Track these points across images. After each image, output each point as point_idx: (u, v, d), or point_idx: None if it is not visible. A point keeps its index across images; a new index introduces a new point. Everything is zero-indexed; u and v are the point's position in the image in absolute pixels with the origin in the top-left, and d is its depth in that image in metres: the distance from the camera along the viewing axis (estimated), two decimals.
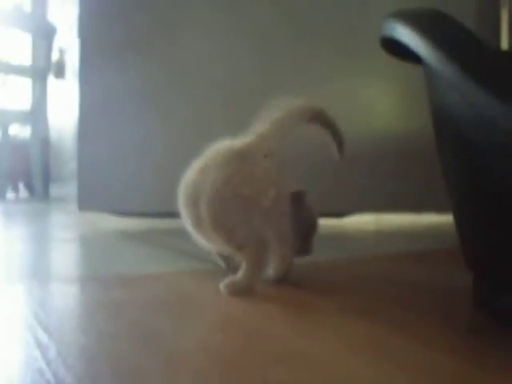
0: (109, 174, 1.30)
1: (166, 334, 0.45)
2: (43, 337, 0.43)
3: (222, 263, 0.71)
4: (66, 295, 0.61)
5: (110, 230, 1.27)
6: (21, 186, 3.04)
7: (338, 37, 1.32)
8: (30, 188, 2.92)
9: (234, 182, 0.56)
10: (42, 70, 2.89)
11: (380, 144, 1.32)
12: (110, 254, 0.91)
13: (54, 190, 3.22)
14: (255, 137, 0.60)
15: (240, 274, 0.59)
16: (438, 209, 1.27)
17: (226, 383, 0.35)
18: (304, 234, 0.67)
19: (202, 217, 0.58)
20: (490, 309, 0.49)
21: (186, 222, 0.62)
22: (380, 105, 1.35)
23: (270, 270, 0.64)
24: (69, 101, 3.51)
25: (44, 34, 2.87)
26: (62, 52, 3.91)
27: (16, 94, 3.76)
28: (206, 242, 0.63)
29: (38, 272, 0.75)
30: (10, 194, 2.91)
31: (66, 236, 1.17)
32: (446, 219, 0.56)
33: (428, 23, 0.45)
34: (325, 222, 1.37)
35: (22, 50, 3.56)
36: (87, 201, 1.31)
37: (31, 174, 2.81)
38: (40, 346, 0.41)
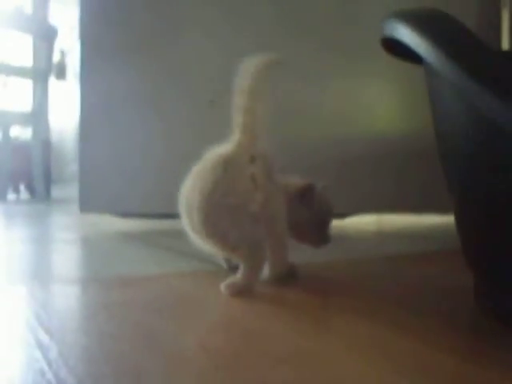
0: (110, 176, 1.30)
1: (168, 335, 0.45)
2: (44, 338, 0.43)
3: (224, 264, 0.71)
4: (67, 296, 0.61)
5: (111, 232, 1.27)
6: (22, 187, 3.04)
7: (339, 37, 1.31)
8: (31, 189, 2.93)
9: (220, 191, 0.56)
10: (43, 71, 2.89)
11: (381, 145, 1.32)
12: (111, 255, 0.91)
13: (56, 192, 3.23)
14: (238, 142, 0.59)
15: (238, 275, 0.60)
16: (439, 210, 1.27)
17: (227, 383, 0.35)
18: (318, 226, 0.68)
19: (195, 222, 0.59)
20: (491, 309, 0.49)
21: (185, 225, 0.62)
22: (381, 105, 1.35)
23: (267, 272, 0.64)
24: (70, 102, 3.52)
25: (45, 36, 2.87)
26: (63, 53, 3.91)
27: (17, 96, 3.76)
28: (205, 245, 0.63)
29: (40, 273, 0.75)
30: (11, 196, 2.91)
31: (68, 237, 1.17)
32: (446, 220, 0.56)
33: (429, 23, 0.45)
34: None
35: (23, 51, 3.57)
36: (88, 202, 1.31)
37: (32, 176, 2.81)
38: (41, 346, 0.41)
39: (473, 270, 0.53)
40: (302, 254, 0.73)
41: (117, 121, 1.30)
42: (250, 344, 0.42)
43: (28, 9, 3.74)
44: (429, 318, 0.50)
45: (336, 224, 1.40)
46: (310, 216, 0.67)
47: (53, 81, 3.38)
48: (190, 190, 0.59)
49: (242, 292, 0.59)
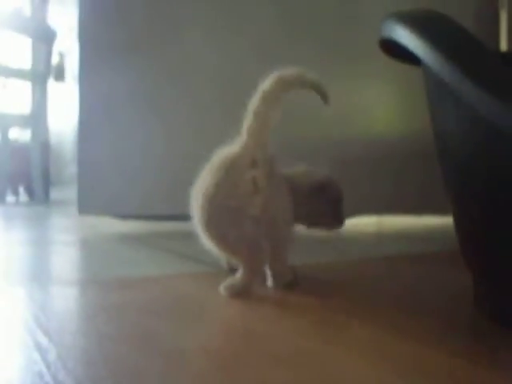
0: (109, 177, 1.30)
1: (167, 337, 0.45)
2: (43, 340, 0.43)
3: (225, 266, 0.70)
4: (66, 298, 0.61)
5: (110, 233, 1.27)
6: (21, 189, 3.04)
7: (338, 38, 1.32)
8: (30, 191, 2.92)
9: (222, 193, 0.57)
10: (42, 73, 2.89)
11: (380, 146, 1.32)
12: (110, 257, 0.91)
13: (54, 194, 3.22)
14: (243, 145, 0.59)
15: (237, 277, 0.60)
16: (438, 211, 1.27)
17: None
18: (333, 210, 0.70)
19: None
20: (489, 310, 0.49)
21: (196, 225, 0.63)
22: (380, 107, 1.35)
23: (270, 278, 0.64)
24: (69, 104, 3.52)
25: (44, 38, 2.87)
26: (61, 55, 3.91)
27: (16, 98, 3.76)
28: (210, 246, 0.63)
29: (39, 275, 0.75)
30: (9, 198, 2.90)
31: (67, 239, 1.17)
32: (446, 221, 0.56)
33: (427, 24, 0.45)
34: None
35: (21, 53, 3.56)
36: (87, 204, 1.31)
37: (31, 178, 2.81)
38: (40, 348, 0.41)
39: (471, 270, 0.54)
40: (301, 256, 0.74)
41: (115, 122, 1.30)
42: (249, 345, 0.42)
43: (27, 11, 3.74)
44: (428, 319, 0.50)
45: None
46: (326, 203, 0.69)
47: (52, 83, 3.37)
48: (197, 192, 0.60)
49: (241, 293, 0.59)
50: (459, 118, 0.46)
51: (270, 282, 0.63)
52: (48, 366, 0.37)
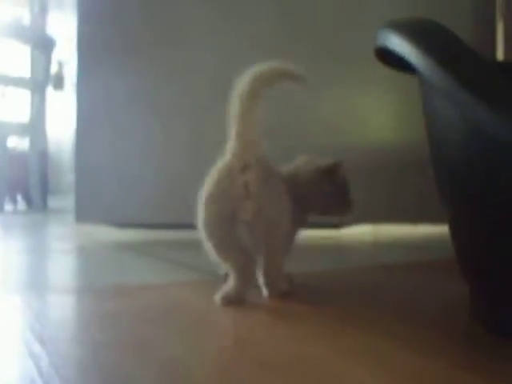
0: (106, 186, 1.30)
1: (161, 345, 0.45)
2: (37, 347, 0.43)
3: (222, 273, 0.70)
4: (62, 306, 0.61)
5: (107, 242, 1.27)
6: (19, 197, 3.04)
7: (336, 43, 1.32)
8: (27, 200, 2.92)
9: (215, 200, 0.58)
10: (41, 82, 2.90)
11: (377, 155, 1.33)
12: (106, 266, 0.91)
13: (53, 202, 3.22)
14: (232, 151, 0.59)
15: (230, 284, 0.60)
16: (435, 220, 1.27)
17: None
18: (342, 195, 0.70)
19: None
20: (487, 321, 0.49)
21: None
22: (377, 115, 1.35)
23: (264, 286, 0.63)
24: (67, 113, 3.52)
25: (43, 47, 2.88)
26: (60, 64, 3.92)
27: (15, 106, 3.77)
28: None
29: (35, 283, 0.75)
30: (7, 206, 2.90)
31: (64, 247, 1.17)
32: (442, 230, 0.56)
33: (422, 34, 0.45)
34: (322, 233, 1.37)
35: (20, 62, 3.57)
36: (85, 212, 1.31)
37: (29, 186, 2.81)
38: (33, 356, 0.41)
39: (468, 281, 0.53)
40: (297, 263, 0.73)
41: (113, 132, 1.30)
42: (245, 353, 0.42)
43: (26, 19, 3.75)
44: (425, 328, 0.50)
45: (332, 234, 1.40)
46: (334, 190, 0.69)
47: (50, 91, 3.38)
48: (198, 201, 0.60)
49: (234, 302, 0.59)
50: (454, 126, 0.46)
51: (264, 291, 0.63)
52: (40, 373, 0.37)
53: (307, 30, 1.32)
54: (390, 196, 1.32)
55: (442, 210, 0.55)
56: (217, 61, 1.29)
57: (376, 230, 1.56)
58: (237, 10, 1.31)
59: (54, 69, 3.64)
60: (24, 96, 3.26)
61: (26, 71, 3.34)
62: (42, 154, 2.90)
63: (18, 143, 3.39)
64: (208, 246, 0.59)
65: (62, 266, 0.93)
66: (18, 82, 2.96)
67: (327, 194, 0.69)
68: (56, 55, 3.25)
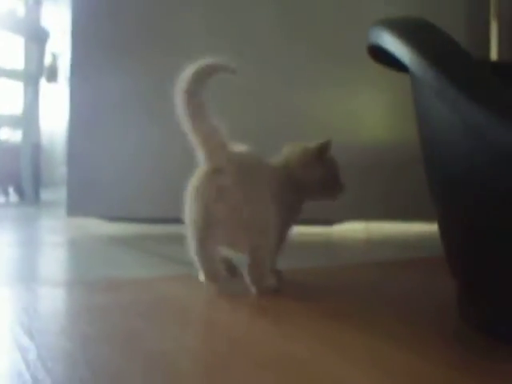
0: (98, 180, 1.30)
1: (150, 338, 0.45)
2: (25, 340, 0.43)
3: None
4: (51, 299, 0.61)
5: (98, 235, 1.27)
6: (11, 190, 3.02)
7: (328, 43, 1.32)
8: (20, 192, 2.90)
9: (194, 202, 0.60)
10: (35, 74, 2.88)
11: (370, 153, 1.33)
12: (97, 259, 0.90)
13: (46, 195, 3.21)
14: (203, 159, 0.61)
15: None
16: (428, 218, 1.28)
17: None
18: (333, 178, 0.72)
19: None
20: (476, 321, 0.49)
21: None
22: (370, 113, 1.35)
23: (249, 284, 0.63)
24: (61, 105, 3.51)
25: (37, 38, 2.86)
26: (54, 56, 3.90)
27: (8, 98, 3.74)
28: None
29: (25, 276, 0.75)
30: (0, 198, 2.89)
31: (55, 240, 1.16)
32: (435, 228, 0.57)
33: (414, 32, 0.45)
34: (314, 230, 1.37)
35: (14, 53, 3.55)
36: (76, 206, 1.31)
37: (22, 178, 2.79)
38: (21, 348, 0.41)
39: (456, 279, 0.54)
40: (289, 261, 0.73)
41: (106, 125, 1.30)
42: (233, 347, 0.42)
43: (20, 11, 3.73)
44: (415, 325, 0.50)
45: (324, 231, 1.41)
46: (326, 171, 0.71)
47: (44, 83, 3.36)
48: None
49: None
50: (445, 125, 0.46)
51: (252, 288, 0.63)
52: (28, 366, 0.37)
53: (305, 30, 1.32)
54: (383, 194, 1.33)
55: (434, 209, 0.55)
56: (215, 55, 1.29)
57: (368, 227, 1.56)
58: (235, 10, 1.31)
59: (47, 61, 3.63)
60: (17, 88, 3.24)
61: (19, 63, 3.32)
62: (34, 147, 2.88)
63: (11, 135, 3.38)
64: (190, 244, 0.61)
65: (53, 259, 0.92)
66: (11, 74, 2.94)
67: (319, 176, 0.70)
68: (50, 47, 3.23)
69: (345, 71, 1.33)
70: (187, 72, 0.61)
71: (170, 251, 0.97)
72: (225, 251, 0.67)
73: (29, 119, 2.85)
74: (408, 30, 0.45)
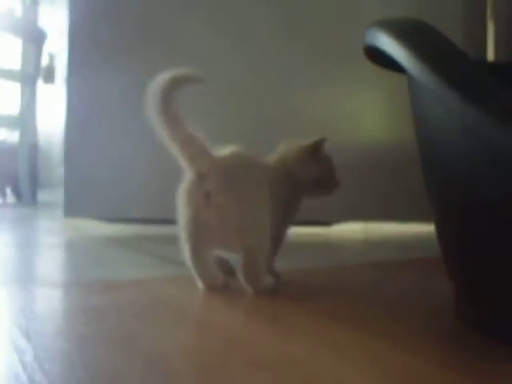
0: (95, 180, 1.29)
1: (146, 339, 0.45)
2: (22, 341, 0.43)
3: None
4: (48, 300, 0.60)
5: (95, 236, 1.27)
6: (8, 190, 3.02)
7: (328, 44, 1.32)
8: (17, 193, 2.90)
9: (184, 208, 0.61)
10: (32, 74, 2.87)
11: (369, 153, 1.33)
12: (94, 260, 0.90)
13: (43, 196, 3.20)
14: (188, 166, 0.61)
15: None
16: (426, 218, 1.28)
17: None
18: (328, 174, 0.72)
19: None
20: (474, 321, 0.49)
21: None
22: (369, 114, 1.36)
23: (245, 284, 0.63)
24: (58, 106, 3.50)
25: (34, 39, 2.86)
26: (51, 57, 3.90)
27: (5, 99, 3.74)
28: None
29: (22, 276, 0.75)
30: None
31: (52, 241, 1.16)
32: (432, 229, 0.57)
33: (410, 33, 0.45)
34: (313, 231, 1.37)
35: (11, 54, 3.54)
36: (73, 206, 1.31)
37: (19, 179, 2.79)
38: (18, 350, 0.41)
39: (454, 280, 0.54)
40: (287, 261, 0.73)
41: (103, 125, 1.30)
42: (230, 348, 0.42)
43: (18, 12, 3.72)
44: (415, 327, 0.50)
45: (322, 231, 1.41)
46: (321, 168, 0.71)
47: (41, 84, 3.36)
48: None
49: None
50: (442, 126, 0.46)
51: (249, 289, 0.63)
52: (25, 368, 0.37)
53: (305, 30, 1.32)
54: (381, 194, 1.33)
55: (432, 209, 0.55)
56: (215, 60, 1.29)
57: (366, 228, 1.56)
58: (234, 10, 1.31)
59: (44, 61, 3.62)
60: (14, 88, 3.23)
61: (16, 63, 3.32)
62: (32, 147, 2.88)
63: (8, 136, 3.37)
64: (183, 247, 0.62)
65: (50, 260, 0.92)
66: (8, 75, 2.94)
67: (315, 173, 0.71)
68: (47, 48, 3.23)
69: (344, 71, 1.33)
70: (159, 83, 0.62)
71: (166, 252, 0.97)
72: (221, 253, 0.67)
73: (26, 120, 2.85)
74: (405, 31, 0.45)
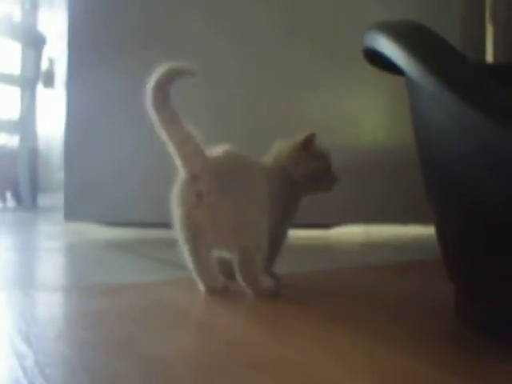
0: (95, 184, 1.29)
1: (146, 343, 0.45)
2: (22, 345, 0.43)
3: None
4: (48, 304, 0.60)
5: (95, 240, 1.27)
6: (8, 195, 3.02)
7: (328, 44, 1.32)
8: (17, 197, 2.89)
9: (177, 208, 0.61)
10: (31, 79, 2.87)
11: (368, 156, 1.33)
12: (94, 264, 0.90)
13: (43, 200, 3.20)
14: (182, 166, 0.61)
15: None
16: (426, 221, 1.28)
17: None
18: (325, 170, 0.72)
19: None
20: (474, 321, 0.49)
21: None
22: (369, 116, 1.35)
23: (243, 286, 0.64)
24: (58, 110, 3.50)
25: (33, 44, 2.86)
26: (51, 61, 3.90)
27: (4, 103, 3.74)
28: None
29: (22, 281, 0.75)
30: None
31: (52, 245, 1.16)
32: (432, 231, 0.57)
33: (409, 36, 0.45)
34: (312, 234, 1.37)
35: (11, 58, 3.55)
36: (73, 211, 1.30)
37: (19, 184, 2.79)
38: (18, 354, 0.41)
39: (454, 281, 0.54)
40: (287, 264, 0.73)
41: (103, 130, 1.30)
42: (229, 352, 0.42)
43: (17, 16, 3.73)
44: (415, 329, 0.50)
45: (322, 234, 1.41)
46: (316, 164, 0.71)
47: (41, 89, 3.36)
48: None
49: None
50: (441, 128, 0.46)
51: (248, 291, 0.63)
52: (25, 372, 0.37)
53: (305, 30, 1.32)
54: (381, 197, 1.33)
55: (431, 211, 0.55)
56: (215, 60, 1.29)
57: (366, 230, 1.56)
58: (234, 10, 1.31)
59: (44, 66, 3.63)
60: (14, 93, 3.24)
61: (16, 68, 3.32)
62: (31, 152, 2.88)
63: (8, 140, 3.37)
64: (182, 248, 0.62)
65: (50, 264, 0.92)
66: (7, 79, 2.94)
67: (311, 169, 0.71)
68: (46, 52, 3.23)
69: (344, 72, 1.33)
70: (154, 76, 0.63)
71: (166, 256, 0.97)
72: (222, 253, 0.66)
73: (26, 124, 2.85)
74: (403, 33, 0.45)
